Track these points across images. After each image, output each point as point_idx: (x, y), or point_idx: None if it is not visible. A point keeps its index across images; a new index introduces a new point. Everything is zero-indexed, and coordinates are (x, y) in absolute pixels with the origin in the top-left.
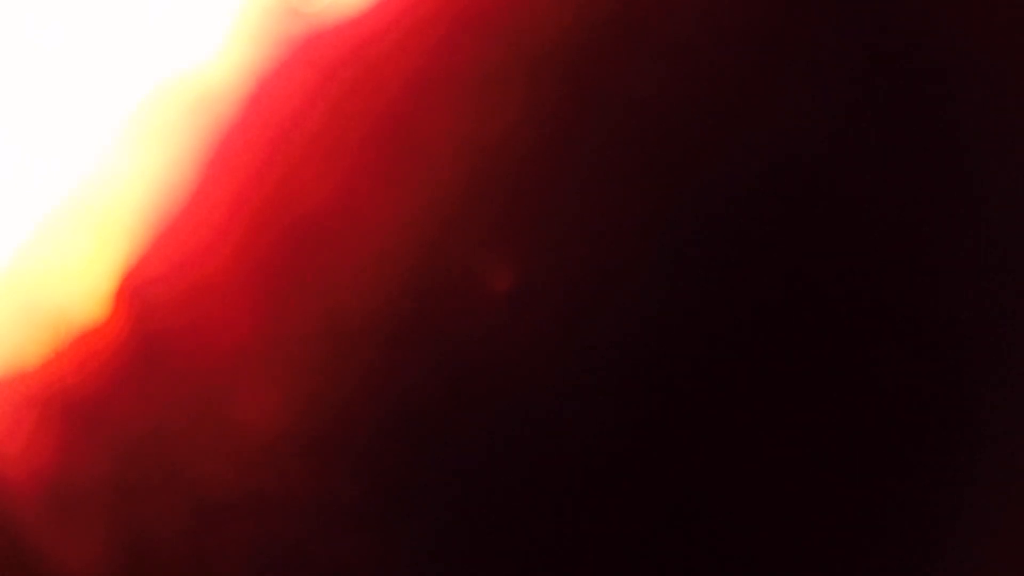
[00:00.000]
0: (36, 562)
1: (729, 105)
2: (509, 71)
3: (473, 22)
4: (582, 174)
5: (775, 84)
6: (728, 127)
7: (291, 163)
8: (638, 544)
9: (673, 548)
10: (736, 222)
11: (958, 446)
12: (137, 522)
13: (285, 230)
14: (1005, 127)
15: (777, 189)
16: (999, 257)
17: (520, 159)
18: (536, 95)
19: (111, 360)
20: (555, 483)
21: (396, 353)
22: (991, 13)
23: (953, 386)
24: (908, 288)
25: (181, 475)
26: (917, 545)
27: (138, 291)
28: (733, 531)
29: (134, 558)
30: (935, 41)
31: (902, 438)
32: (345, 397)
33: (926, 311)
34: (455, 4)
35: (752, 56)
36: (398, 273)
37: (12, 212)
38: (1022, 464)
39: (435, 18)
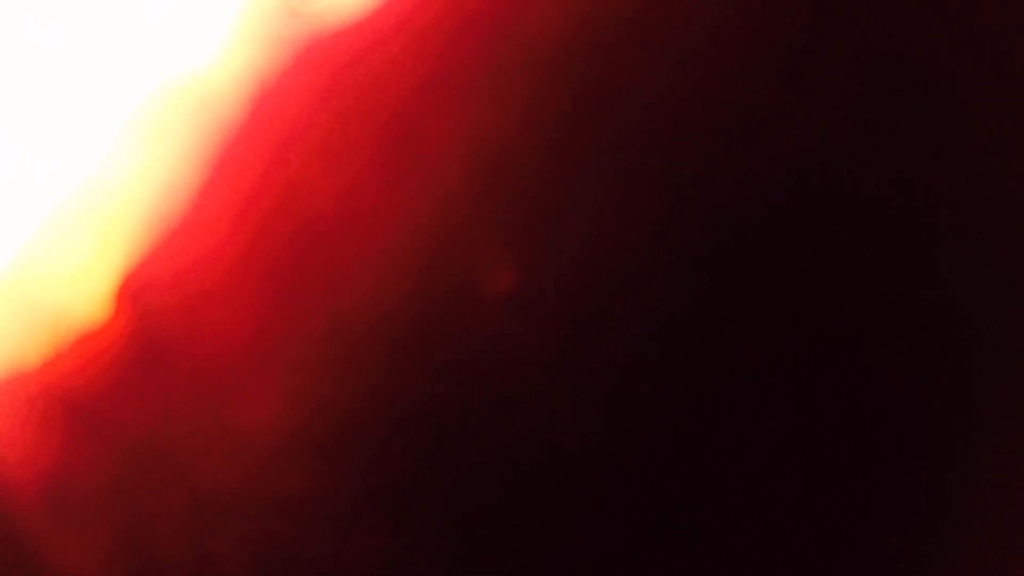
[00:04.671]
0: (37, 563)
1: (738, 108)
2: (515, 74)
3: (479, 23)
4: (589, 178)
5: (783, 87)
6: (737, 130)
7: (294, 166)
8: (641, 547)
9: (676, 550)
10: (743, 225)
11: (958, 445)
12: (139, 524)
13: (289, 232)
14: (1009, 127)
15: (785, 192)
16: (1001, 257)
17: (527, 163)
18: (543, 98)
19: (113, 362)
20: (558, 487)
21: (401, 356)
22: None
23: (953, 384)
24: (912, 288)
25: (183, 477)
26: (916, 544)
27: (141, 293)
28: (738, 531)
29: (135, 559)
30: (946, 42)
31: (903, 438)
32: (349, 400)
33: (930, 311)
34: (461, 5)
35: (761, 59)
36: (403, 276)
37: (14, 213)
38: (1022, 463)
39: (441, 20)
